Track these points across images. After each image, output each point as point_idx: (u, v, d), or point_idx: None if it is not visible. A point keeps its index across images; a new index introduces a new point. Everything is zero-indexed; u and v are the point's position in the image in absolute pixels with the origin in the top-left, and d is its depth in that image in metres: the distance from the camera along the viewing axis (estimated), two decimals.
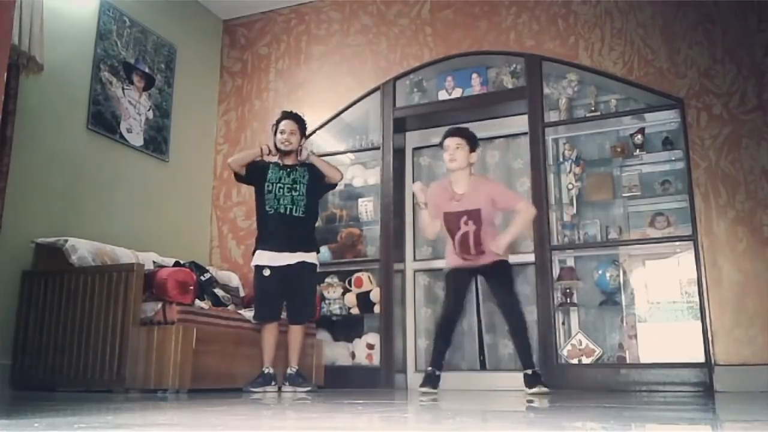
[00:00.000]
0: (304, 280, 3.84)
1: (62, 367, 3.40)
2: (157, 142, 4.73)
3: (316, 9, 5.31)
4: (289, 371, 3.76)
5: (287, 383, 3.73)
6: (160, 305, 3.37)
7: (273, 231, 3.79)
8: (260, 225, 3.89)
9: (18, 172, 3.61)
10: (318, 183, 3.92)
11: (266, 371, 3.69)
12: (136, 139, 4.56)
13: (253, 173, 3.88)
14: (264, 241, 3.82)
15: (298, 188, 3.85)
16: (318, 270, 3.95)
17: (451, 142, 3.64)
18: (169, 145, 4.84)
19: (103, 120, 4.30)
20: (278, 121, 3.95)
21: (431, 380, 3.55)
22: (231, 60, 5.51)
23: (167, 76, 4.91)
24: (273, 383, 3.69)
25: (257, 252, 3.83)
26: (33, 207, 3.78)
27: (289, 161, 3.91)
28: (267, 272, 3.76)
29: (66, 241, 3.63)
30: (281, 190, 3.83)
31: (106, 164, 4.32)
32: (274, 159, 3.89)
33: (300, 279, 3.80)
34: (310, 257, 3.84)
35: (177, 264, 3.90)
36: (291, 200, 3.82)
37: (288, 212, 3.80)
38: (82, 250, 3.63)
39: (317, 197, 3.99)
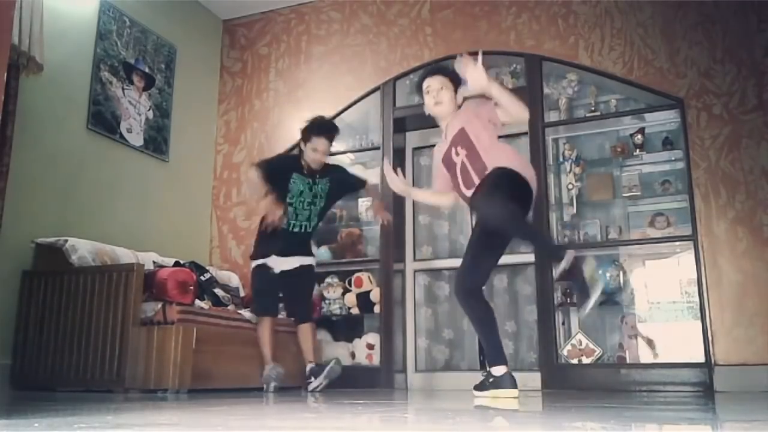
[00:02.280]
0: (304, 282, 3.90)
1: (62, 367, 3.40)
2: (157, 142, 4.73)
3: (316, 9, 5.31)
4: (310, 367, 3.78)
5: (313, 378, 3.73)
6: (160, 305, 3.37)
7: (278, 242, 3.78)
8: (266, 236, 3.80)
9: (18, 172, 3.61)
10: (340, 189, 3.93)
11: (271, 369, 3.71)
12: (136, 139, 4.56)
13: (275, 180, 3.73)
14: (265, 247, 3.84)
15: (317, 202, 3.84)
16: (316, 270, 4.03)
17: (434, 83, 3.12)
18: (169, 145, 4.84)
19: (103, 120, 4.30)
20: (311, 134, 3.77)
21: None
22: (231, 60, 5.51)
23: (167, 76, 4.91)
24: (273, 383, 3.68)
25: (260, 254, 3.86)
26: (33, 207, 3.78)
27: (314, 167, 3.84)
28: (275, 271, 3.80)
29: (66, 241, 3.63)
30: (302, 204, 3.81)
31: (106, 164, 4.32)
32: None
33: (300, 281, 3.85)
34: (308, 260, 3.91)
35: (177, 264, 3.91)
36: (308, 216, 3.83)
37: (301, 229, 3.84)
38: (82, 250, 3.63)
39: (334, 202, 4.03)
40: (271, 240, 3.77)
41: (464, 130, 2.98)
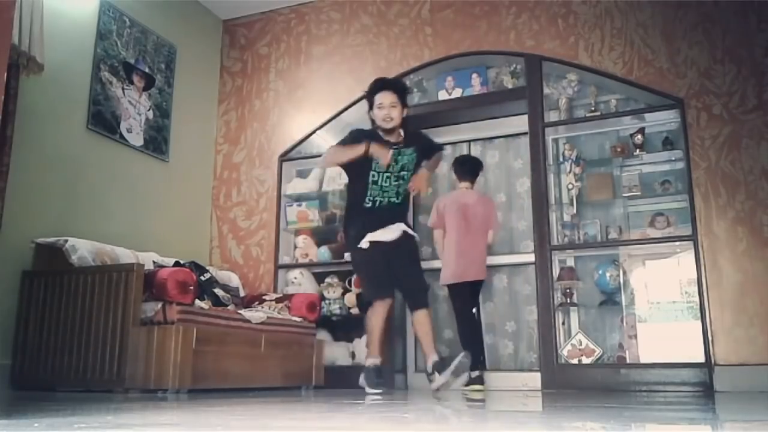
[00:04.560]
0: (412, 255, 3.52)
1: (62, 367, 3.40)
2: (157, 142, 4.74)
3: (316, 9, 5.31)
4: (432, 362, 3.35)
5: (437, 374, 3.29)
6: (160, 305, 3.37)
7: (370, 219, 3.49)
8: (353, 218, 3.55)
9: (18, 172, 3.61)
10: (424, 157, 3.60)
11: (373, 363, 3.43)
12: (136, 139, 4.56)
13: (355, 162, 3.46)
14: (359, 228, 3.49)
15: (405, 176, 3.51)
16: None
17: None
18: (169, 145, 4.84)
19: (103, 120, 4.31)
20: (372, 93, 3.55)
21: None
22: (231, 60, 5.51)
23: (167, 76, 4.91)
24: (380, 381, 3.42)
25: (354, 238, 3.51)
26: (33, 207, 3.78)
27: (393, 138, 3.50)
28: (366, 245, 3.43)
29: (66, 241, 3.63)
30: (388, 180, 3.47)
31: (106, 164, 4.32)
32: (381, 153, 3.37)
33: (407, 253, 3.49)
34: (411, 231, 3.57)
35: (177, 264, 3.90)
36: (395, 192, 3.50)
37: (388, 203, 3.50)
38: (82, 250, 3.63)
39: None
40: (361, 220, 3.50)
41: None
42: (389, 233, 3.49)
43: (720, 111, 4.06)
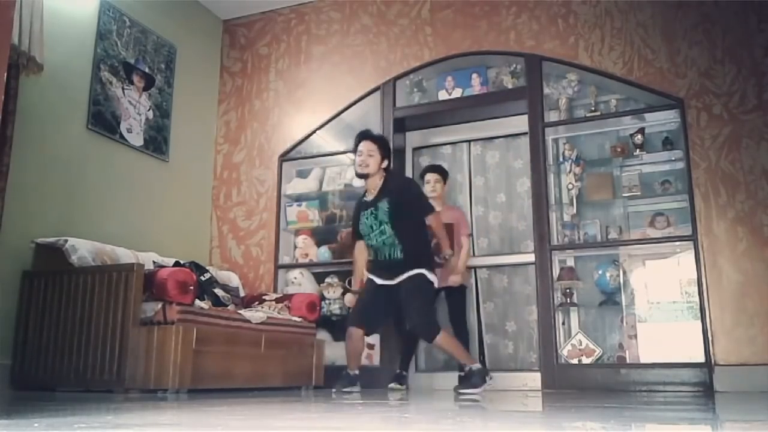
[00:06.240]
0: (414, 291, 3.59)
1: (62, 367, 3.40)
2: (157, 142, 4.74)
3: (316, 9, 5.31)
4: (474, 367, 3.58)
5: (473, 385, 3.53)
6: (160, 305, 3.37)
7: (374, 263, 3.76)
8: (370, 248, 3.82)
9: (18, 172, 3.61)
10: (404, 209, 3.64)
11: (352, 373, 3.70)
12: (136, 139, 4.56)
13: (358, 233, 3.80)
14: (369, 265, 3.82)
15: (385, 229, 3.63)
16: (427, 284, 3.63)
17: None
18: (169, 145, 4.84)
19: (103, 120, 4.30)
20: (356, 143, 3.79)
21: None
22: (231, 60, 5.51)
23: (167, 76, 4.91)
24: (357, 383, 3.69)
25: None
26: (33, 207, 3.78)
27: (371, 184, 3.73)
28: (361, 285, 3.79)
29: (66, 241, 3.63)
30: (375, 239, 3.68)
31: (106, 164, 4.32)
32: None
33: (410, 290, 3.58)
34: (414, 272, 3.62)
35: (177, 264, 3.90)
36: (383, 243, 3.65)
37: (387, 258, 3.66)
38: (82, 250, 3.63)
39: (412, 217, 3.67)
40: (372, 266, 3.77)
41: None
42: (389, 279, 3.66)
43: (720, 111, 4.06)
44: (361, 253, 3.85)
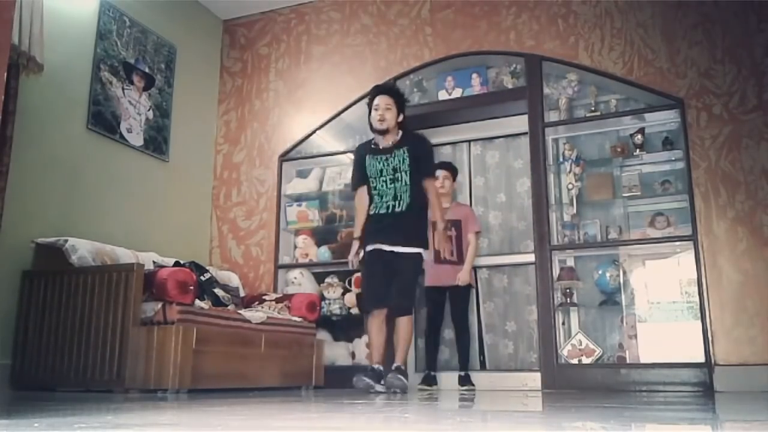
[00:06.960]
0: (407, 268, 3.52)
1: (62, 367, 3.40)
2: (157, 142, 4.74)
3: (316, 9, 5.31)
4: (394, 365, 3.48)
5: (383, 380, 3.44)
6: (160, 305, 3.37)
7: (374, 229, 3.59)
8: (366, 229, 3.65)
9: (18, 172, 3.61)
10: (419, 158, 3.59)
11: (376, 367, 3.49)
12: (136, 139, 4.56)
13: (362, 176, 3.66)
14: (366, 239, 3.63)
15: (400, 177, 3.56)
16: (419, 265, 3.61)
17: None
18: (169, 145, 4.84)
19: (103, 120, 4.30)
20: (371, 99, 3.70)
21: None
22: (231, 60, 5.51)
23: (167, 76, 4.91)
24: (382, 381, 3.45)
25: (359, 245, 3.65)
26: (33, 207, 3.78)
27: (389, 141, 3.63)
28: (360, 256, 3.61)
29: (66, 241, 3.63)
30: (384, 184, 3.57)
31: (106, 164, 4.32)
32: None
33: (403, 264, 3.51)
34: (410, 248, 3.55)
35: (177, 264, 3.90)
36: (393, 195, 3.56)
37: (389, 210, 3.56)
38: (82, 250, 3.63)
39: (419, 172, 3.60)
40: (368, 229, 3.61)
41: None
42: (387, 243, 3.54)
43: (720, 111, 4.06)
44: (362, 201, 3.69)
